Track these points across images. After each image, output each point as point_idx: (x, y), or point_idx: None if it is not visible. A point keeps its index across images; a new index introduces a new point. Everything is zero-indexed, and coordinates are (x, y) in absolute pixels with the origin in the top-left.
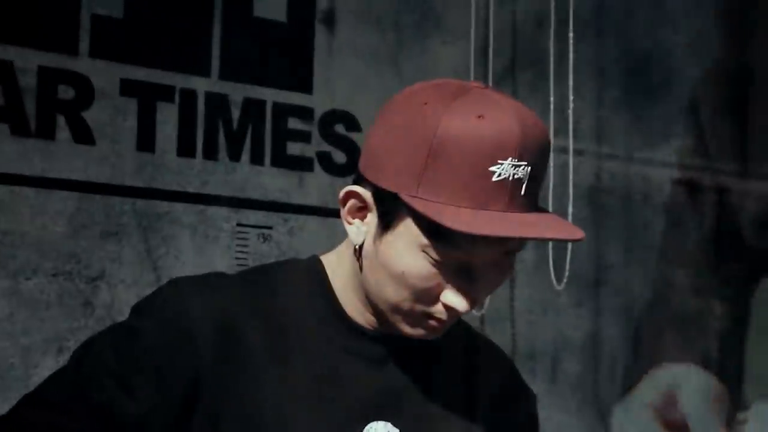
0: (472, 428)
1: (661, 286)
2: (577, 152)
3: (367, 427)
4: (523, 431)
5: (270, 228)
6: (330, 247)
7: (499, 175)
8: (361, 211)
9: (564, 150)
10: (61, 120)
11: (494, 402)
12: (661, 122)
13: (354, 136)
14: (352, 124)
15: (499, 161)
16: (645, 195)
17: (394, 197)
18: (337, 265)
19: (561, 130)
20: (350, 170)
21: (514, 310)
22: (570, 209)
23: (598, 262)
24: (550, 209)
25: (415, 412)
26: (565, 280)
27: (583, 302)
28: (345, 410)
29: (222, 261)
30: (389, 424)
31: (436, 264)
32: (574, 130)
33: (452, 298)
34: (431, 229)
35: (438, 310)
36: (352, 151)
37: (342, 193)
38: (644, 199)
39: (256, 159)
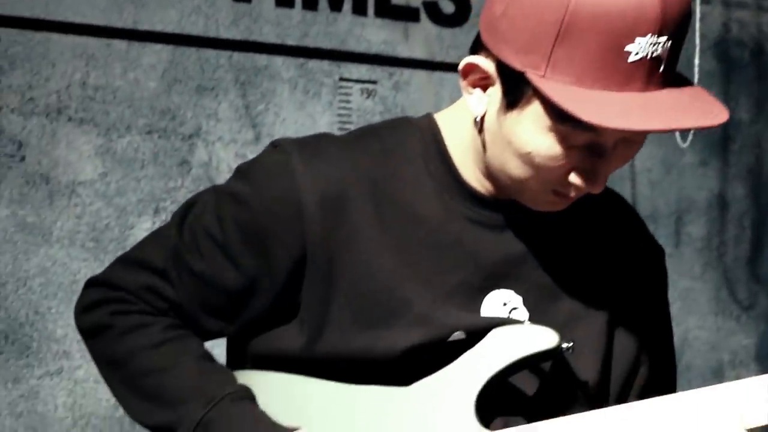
0: (597, 294)
1: None
2: (705, 0)
3: (488, 296)
4: (652, 288)
5: (374, 82)
6: (437, 103)
7: (636, 54)
8: (483, 80)
9: None
10: None
11: (621, 259)
12: None
13: None
14: None
15: (637, 38)
16: None
17: (521, 76)
18: (453, 128)
19: None
20: (459, 21)
21: (635, 169)
22: (696, 61)
23: None
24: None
25: (538, 281)
26: (690, 137)
27: (709, 161)
28: (465, 280)
29: (324, 118)
30: (512, 293)
31: (565, 145)
32: None
33: (581, 177)
34: (562, 114)
35: (564, 187)
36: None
37: (462, 64)
38: None
39: (359, 9)
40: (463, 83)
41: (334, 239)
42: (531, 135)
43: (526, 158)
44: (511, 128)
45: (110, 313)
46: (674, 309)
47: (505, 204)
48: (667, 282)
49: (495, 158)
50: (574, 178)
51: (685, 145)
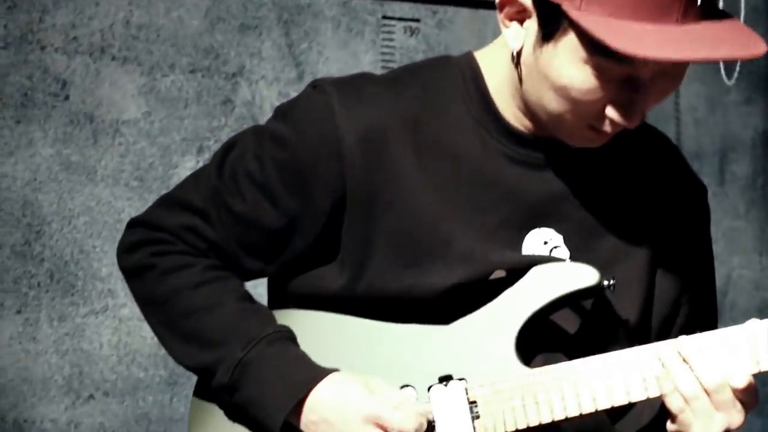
0: (638, 233)
1: None
2: None
3: (529, 235)
4: (695, 226)
5: (417, 21)
6: (480, 41)
7: None
8: (520, 13)
9: None
10: None
11: (663, 197)
12: None
13: None
14: None
15: None
16: None
17: (556, 8)
18: (493, 65)
19: None
20: None
21: (680, 107)
22: None
23: None
24: None
25: (579, 219)
26: (735, 75)
27: (754, 99)
28: (506, 218)
29: (367, 56)
30: (552, 231)
31: (601, 78)
32: None
33: (618, 111)
34: (597, 46)
35: (602, 122)
36: None
37: None
38: None
39: None
40: (500, 16)
41: (375, 179)
42: (567, 68)
43: (562, 91)
44: (547, 61)
45: (151, 253)
46: (718, 248)
47: (545, 142)
48: (710, 220)
49: (532, 92)
50: (610, 111)
51: (730, 83)
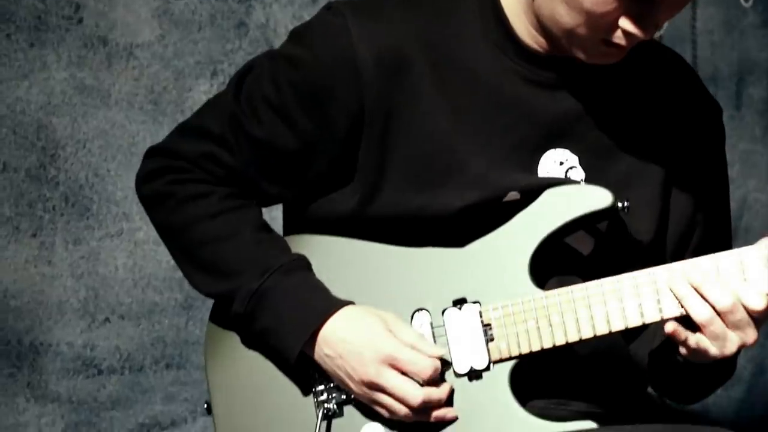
0: (653, 154)
1: None
2: None
3: (544, 156)
4: (709, 147)
5: None
6: None
7: None
8: None
9: None
10: None
11: (678, 119)
12: None
13: None
14: None
15: None
16: None
17: None
18: None
19: None
20: None
21: (696, 30)
22: None
23: None
24: None
25: (595, 140)
26: None
27: None
28: (522, 139)
29: None
30: (568, 152)
31: None
32: None
33: (631, 22)
34: None
35: (616, 36)
36: None
37: None
38: None
39: None
40: None
41: (392, 100)
42: None
43: (574, 3)
44: None
45: (169, 182)
46: (734, 171)
47: (561, 62)
48: (725, 141)
49: (545, 7)
50: (624, 23)
51: (747, 5)
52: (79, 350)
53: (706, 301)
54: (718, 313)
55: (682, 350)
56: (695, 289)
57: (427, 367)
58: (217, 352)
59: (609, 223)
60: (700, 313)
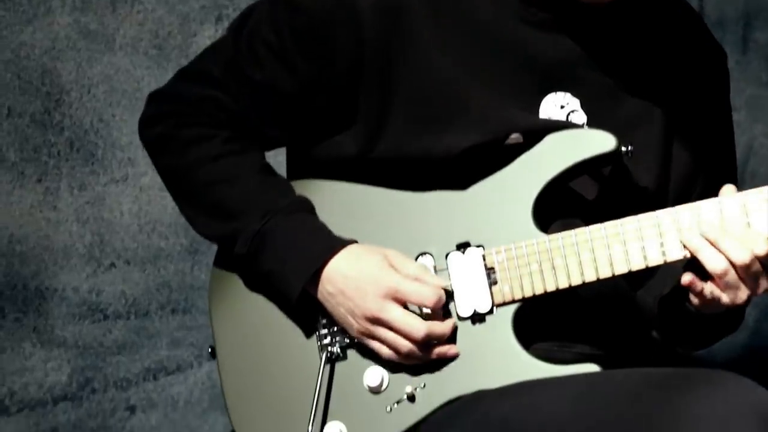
0: (657, 98)
1: None
2: None
3: (545, 99)
4: (713, 91)
5: None
6: None
7: None
8: None
9: None
10: None
11: (682, 62)
12: None
13: None
14: None
15: None
16: None
17: None
18: None
19: None
20: None
21: None
22: None
23: None
24: None
25: (597, 83)
26: None
27: None
28: (522, 81)
29: None
30: (569, 95)
31: None
32: None
33: None
34: None
35: None
36: None
37: None
38: None
39: None
40: None
41: (391, 43)
42: None
43: None
44: None
45: (172, 125)
46: (740, 116)
47: (561, 3)
48: (729, 86)
49: None
50: None
51: None
52: (85, 295)
53: (721, 252)
54: (733, 265)
55: (694, 299)
56: (709, 242)
57: (431, 296)
58: (221, 297)
59: (612, 168)
60: (716, 265)
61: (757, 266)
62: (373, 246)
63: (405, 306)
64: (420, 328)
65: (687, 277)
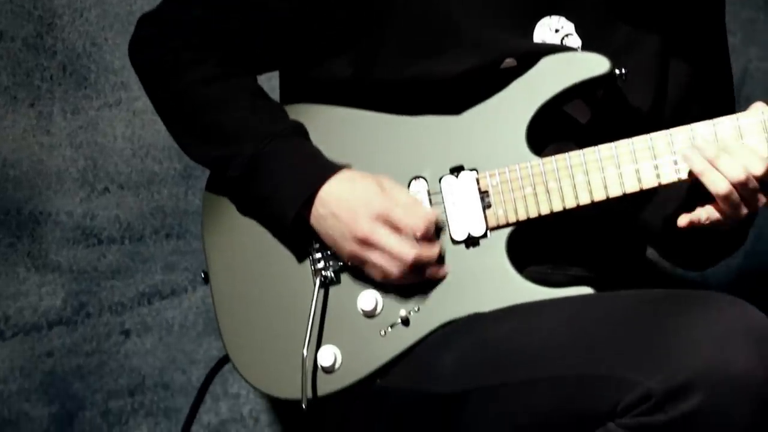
0: (651, 21)
1: None
2: None
3: (540, 23)
4: (708, 12)
5: None
6: None
7: None
8: None
9: None
10: None
11: None
12: None
13: None
14: None
15: None
16: None
17: None
18: None
19: None
20: None
21: None
22: None
23: None
24: None
25: (591, 6)
26: None
27: None
28: (516, 4)
29: None
30: (563, 19)
31: None
32: None
33: None
34: None
35: None
36: None
37: None
38: None
39: None
40: None
41: None
42: None
43: None
44: None
45: (162, 49)
46: (735, 40)
47: None
48: (724, 9)
49: None
50: None
51: None
52: (79, 220)
53: (721, 173)
54: (734, 185)
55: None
56: (710, 163)
57: (421, 221)
58: (213, 221)
59: (606, 92)
60: (719, 187)
61: (753, 184)
62: (367, 172)
63: (396, 229)
64: (410, 252)
65: (683, 220)
